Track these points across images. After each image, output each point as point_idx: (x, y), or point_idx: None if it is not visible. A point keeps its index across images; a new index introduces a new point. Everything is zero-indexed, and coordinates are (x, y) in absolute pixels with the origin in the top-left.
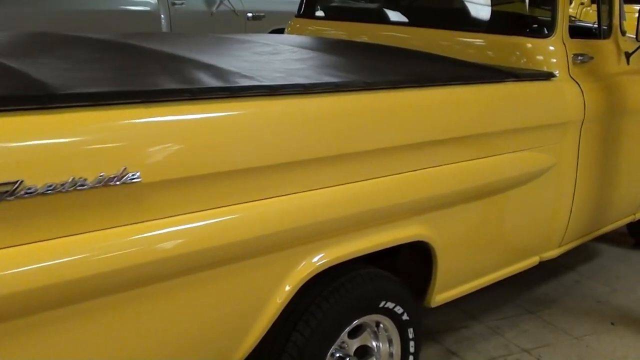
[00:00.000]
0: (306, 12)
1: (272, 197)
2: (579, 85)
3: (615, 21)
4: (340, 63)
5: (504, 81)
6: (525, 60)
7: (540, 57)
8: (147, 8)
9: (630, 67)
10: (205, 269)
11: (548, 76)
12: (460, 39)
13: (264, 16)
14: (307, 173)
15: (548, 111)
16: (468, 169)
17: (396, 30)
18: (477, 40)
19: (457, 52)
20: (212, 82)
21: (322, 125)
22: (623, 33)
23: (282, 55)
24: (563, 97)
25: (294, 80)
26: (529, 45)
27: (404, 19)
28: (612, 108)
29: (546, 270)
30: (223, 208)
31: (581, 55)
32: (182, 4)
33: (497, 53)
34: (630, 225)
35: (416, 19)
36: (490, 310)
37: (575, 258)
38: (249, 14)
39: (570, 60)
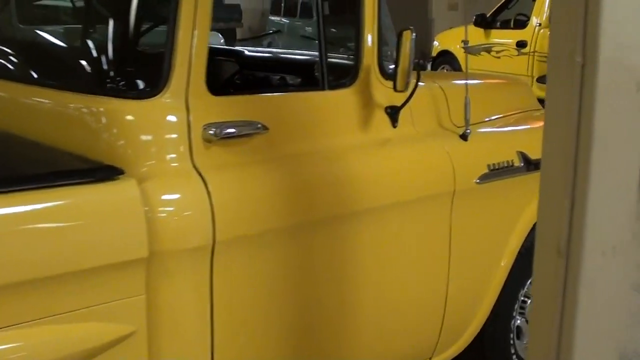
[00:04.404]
0: None
1: None
2: (205, 183)
3: (367, 58)
4: None
5: None
6: (113, 139)
7: (142, 136)
8: None
9: (401, 132)
10: None
11: (96, 176)
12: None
13: None
14: None
15: (84, 247)
16: None
17: None
18: (47, 100)
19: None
20: None
21: None
22: (387, 75)
23: None
24: (133, 216)
25: None
26: (123, 112)
27: None
28: (318, 212)
29: None
30: None
31: (229, 125)
32: None
33: (69, 126)
34: None
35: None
36: None
37: None
38: None
39: (198, 136)
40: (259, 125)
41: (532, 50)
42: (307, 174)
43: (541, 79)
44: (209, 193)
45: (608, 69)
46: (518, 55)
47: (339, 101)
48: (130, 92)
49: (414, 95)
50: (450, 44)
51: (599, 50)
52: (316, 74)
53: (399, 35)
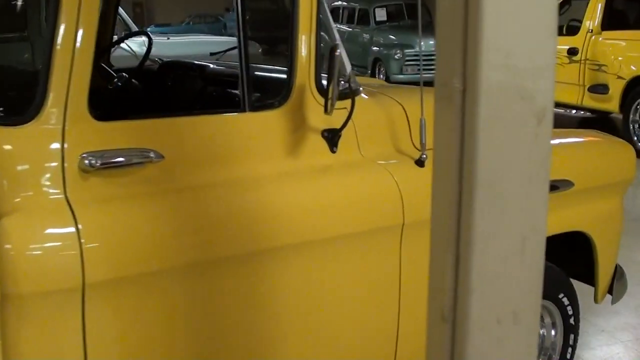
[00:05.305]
0: None
1: None
2: (75, 219)
3: (301, 76)
4: None
5: None
6: None
7: (15, 166)
8: None
9: (342, 158)
10: None
11: None
12: None
13: None
14: None
15: None
16: None
17: None
18: None
19: None
20: None
21: None
22: (325, 92)
23: None
24: None
25: None
26: None
27: None
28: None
29: None
30: None
31: (113, 154)
32: None
33: None
34: None
35: None
36: None
37: None
38: None
39: (74, 166)
40: (152, 154)
41: (583, 57)
42: (205, 207)
43: (593, 88)
44: (77, 229)
45: (496, 96)
46: (569, 63)
47: (262, 124)
48: (3, 119)
49: (364, 115)
50: None
51: (481, 73)
52: (237, 93)
53: (330, 52)
